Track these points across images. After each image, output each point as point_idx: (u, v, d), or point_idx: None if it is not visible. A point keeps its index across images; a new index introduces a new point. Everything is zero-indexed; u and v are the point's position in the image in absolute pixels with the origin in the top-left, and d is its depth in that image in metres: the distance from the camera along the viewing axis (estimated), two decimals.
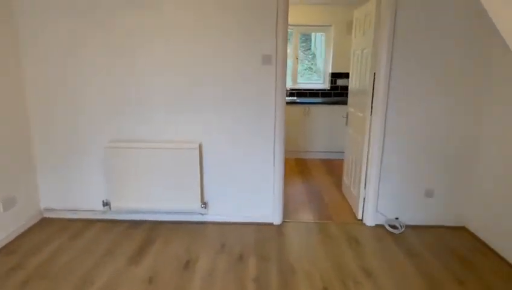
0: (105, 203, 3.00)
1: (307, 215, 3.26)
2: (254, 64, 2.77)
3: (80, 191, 3.04)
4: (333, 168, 4.76)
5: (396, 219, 3.05)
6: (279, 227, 3.03)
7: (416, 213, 3.04)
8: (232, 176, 2.99)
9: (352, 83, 3.50)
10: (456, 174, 2.95)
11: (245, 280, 2.27)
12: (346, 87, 5.45)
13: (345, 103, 4.93)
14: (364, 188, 3.08)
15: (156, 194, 2.91)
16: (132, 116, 2.89)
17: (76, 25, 2.72)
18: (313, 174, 4.49)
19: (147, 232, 2.88)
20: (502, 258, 2.55)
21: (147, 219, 3.08)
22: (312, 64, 5.78)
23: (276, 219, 3.07)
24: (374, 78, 2.85)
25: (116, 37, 2.74)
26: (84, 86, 2.84)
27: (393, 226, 3.00)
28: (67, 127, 2.92)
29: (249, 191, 3.02)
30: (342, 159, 5.06)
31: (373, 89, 2.88)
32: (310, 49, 5.74)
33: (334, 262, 2.49)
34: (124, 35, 2.74)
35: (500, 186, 2.63)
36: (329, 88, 5.49)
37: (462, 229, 3.00)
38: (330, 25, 5.28)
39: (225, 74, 2.80)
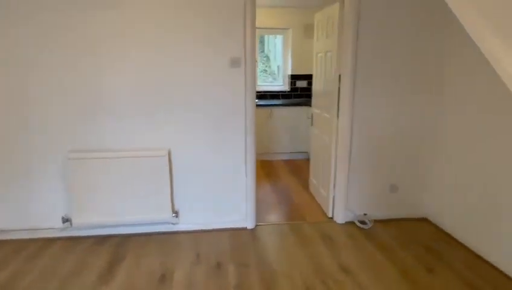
0: (66, 220, 2.77)
1: (279, 217, 3.27)
2: (223, 67, 2.73)
3: (35, 208, 2.78)
4: (298, 168, 4.84)
5: (365, 214, 3.17)
6: (253, 231, 3.00)
7: (382, 208, 3.19)
8: (203, 183, 2.92)
9: (316, 85, 3.58)
10: (417, 170, 3.14)
11: (234, 283, 2.22)
12: (305, 89, 5.58)
13: (305, 104, 5.05)
14: (334, 187, 3.17)
15: (123, 206, 2.75)
16: (94, 124, 2.70)
17: (30, 27, 2.49)
18: (280, 175, 4.53)
19: (115, 248, 2.70)
20: (463, 246, 2.75)
21: (113, 233, 2.89)
22: (266, 66, 5.84)
23: (250, 223, 3.04)
24: (340, 80, 2.94)
25: (76, 39, 2.55)
26: (39, 94, 2.60)
27: (363, 222, 3.11)
28: (19, 138, 2.65)
29: (220, 196, 2.96)
30: (305, 159, 5.19)
31: (339, 91, 2.96)
32: (263, 51, 5.80)
33: (312, 261, 2.52)
34: (86, 37, 2.55)
35: (455, 180, 2.84)
36: (289, 90, 5.58)
37: (424, 221, 3.20)
38: (288, 28, 5.37)
39: (193, 78, 2.72)
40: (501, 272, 2.39)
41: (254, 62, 2.77)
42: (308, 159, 5.21)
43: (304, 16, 5.32)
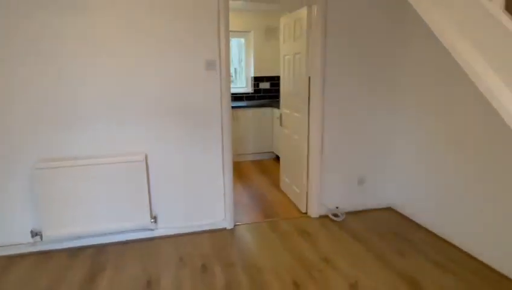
0: (35, 233, 2.60)
1: (255, 216, 3.34)
2: (198, 70, 2.74)
3: (0, 223, 2.58)
4: (266, 168, 4.95)
5: (337, 208, 3.35)
6: (232, 231, 3.04)
7: (352, 201, 3.39)
8: (181, 186, 2.90)
9: (285, 86, 3.70)
10: (381, 163, 3.38)
11: (222, 284, 2.24)
12: (268, 90, 5.71)
13: (269, 105, 5.18)
14: (307, 183, 3.30)
15: (98, 214, 2.65)
16: (63, 131, 2.57)
17: None
18: (250, 176, 4.59)
19: (93, 259, 2.59)
20: (427, 230, 3.02)
21: (88, 244, 2.77)
22: None
23: (229, 224, 3.07)
24: (310, 81, 3.08)
25: (42, 45, 2.41)
26: (1, 103, 2.42)
27: (335, 215, 3.28)
28: None
29: (199, 199, 2.96)
30: (272, 159, 5.32)
31: (309, 91, 3.10)
32: None
33: (293, 255, 2.62)
34: (52, 43, 2.43)
35: (414, 171, 3.11)
36: (252, 92, 5.67)
37: (390, 210, 3.45)
38: (249, 31, 5.47)
39: (168, 81, 2.70)
40: (464, 251, 2.67)
41: (229, 65, 2.81)
42: (275, 159, 5.36)
43: (264, 18, 5.46)
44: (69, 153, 2.61)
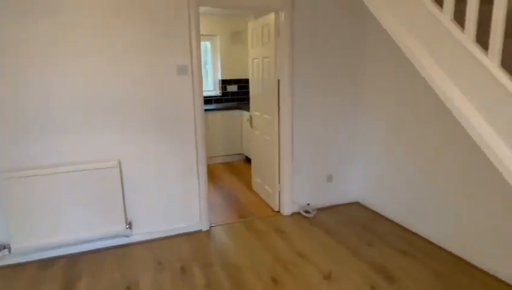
0: (3, 247, 2.50)
1: (230, 217, 3.40)
2: (170, 75, 2.76)
3: None
4: (237, 170, 5.02)
5: (308, 204, 3.49)
6: (208, 232, 3.08)
7: (322, 197, 3.55)
8: (155, 190, 2.90)
9: (254, 89, 3.80)
10: (348, 161, 3.57)
11: (202, 283, 2.28)
12: (236, 93, 5.79)
13: (237, 107, 5.26)
14: (279, 182, 3.42)
15: (70, 223, 2.59)
16: (31, 139, 2.49)
17: None
18: (221, 178, 4.64)
19: (67, 269, 2.53)
20: (391, 221, 3.24)
21: (60, 254, 2.69)
22: None
23: (204, 226, 3.11)
24: (279, 84, 3.20)
25: (6, 49, 2.33)
26: None
27: (307, 211, 3.42)
28: None
29: (174, 202, 2.98)
30: (242, 161, 5.40)
31: (279, 94, 3.22)
32: None
33: (270, 252, 2.72)
34: (18, 47, 2.35)
35: (378, 167, 3.33)
36: (220, 95, 5.73)
37: (357, 204, 3.65)
38: (216, 35, 5.52)
39: (140, 87, 2.70)
40: (424, 239, 2.91)
41: (200, 69, 2.86)
42: (245, 160, 5.44)
43: (230, 22, 5.53)
44: (37, 162, 2.53)
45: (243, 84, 5.83)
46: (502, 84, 1.28)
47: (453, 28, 1.45)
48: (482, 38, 1.43)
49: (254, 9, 2.96)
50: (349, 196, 3.68)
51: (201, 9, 4.75)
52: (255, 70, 3.72)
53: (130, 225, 2.84)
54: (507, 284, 2.27)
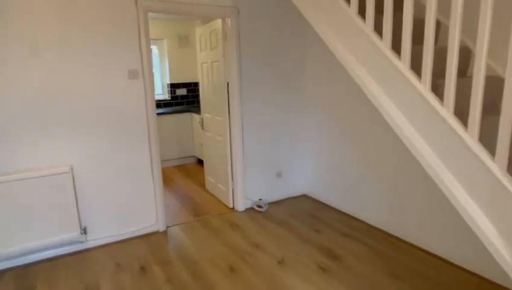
0: None
1: (186, 217, 3.50)
2: (122, 79, 2.80)
3: None
4: (189, 172, 5.09)
5: (260, 199, 3.71)
6: (165, 233, 3.16)
7: (272, 192, 3.79)
8: (110, 194, 2.91)
9: (204, 92, 3.94)
10: (295, 157, 3.85)
11: (158, 286, 2.37)
12: (185, 96, 5.86)
13: (187, 110, 5.34)
14: (232, 180, 3.59)
15: (22, 232, 2.52)
16: None
17: None
18: (175, 180, 4.69)
19: (18, 280, 2.46)
20: (336, 210, 3.57)
21: (10, 266, 2.60)
22: None
23: (161, 227, 3.18)
24: (228, 87, 3.38)
25: None
26: None
27: (259, 206, 3.63)
28: None
29: (129, 205, 3.01)
30: (194, 163, 5.48)
31: (228, 96, 3.40)
32: None
33: (226, 245, 2.88)
34: None
35: (322, 162, 3.65)
36: (170, 98, 5.75)
37: (304, 197, 3.95)
38: (163, 39, 5.55)
39: (93, 91, 2.71)
40: (363, 221, 3.26)
41: (152, 73, 2.94)
42: (197, 162, 5.53)
43: (177, 26, 5.60)
44: None
45: (192, 87, 5.92)
46: (413, 85, 1.58)
47: (374, 37, 1.74)
48: (397, 46, 1.74)
49: (202, 16, 3.11)
50: (297, 189, 3.96)
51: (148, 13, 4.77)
52: (204, 74, 3.86)
53: (84, 230, 2.83)
54: (430, 253, 2.67)
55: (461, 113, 1.54)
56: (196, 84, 5.94)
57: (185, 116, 5.34)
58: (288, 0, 2.79)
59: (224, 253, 2.76)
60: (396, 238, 2.94)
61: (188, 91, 5.87)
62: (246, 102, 3.43)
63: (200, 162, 5.51)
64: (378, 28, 1.83)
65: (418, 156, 1.60)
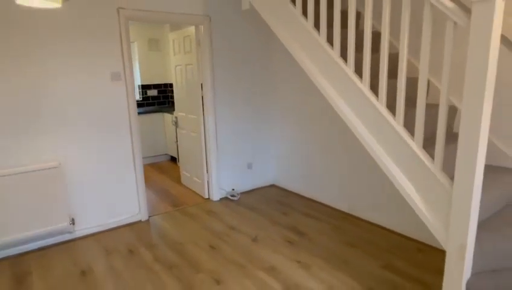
0: None
1: (165, 208, 3.79)
2: (105, 81, 3.06)
3: None
4: (164, 168, 5.35)
5: (233, 189, 4.08)
6: (148, 221, 3.44)
7: (244, 182, 4.17)
8: (96, 188, 3.15)
9: (178, 93, 4.24)
10: (264, 150, 4.27)
11: (148, 264, 2.67)
12: (156, 97, 6.09)
13: (159, 111, 5.59)
14: (207, 172, 3.93)
15: (14, 223, 2.72)
16: None
17: None
18: (151, 177, 4.94)
19: (13, 268, 2.65)
20: (301, 196, 4.02)
21: (3, 256, 2.78)
22: None
23: (144, 216, 3.46)
24: (202, 87, 3.72)
25: None
26: None
27: (233, 195, 4.00)
28: None
29: (114, 197, 3.26)
30: (167, 160, 5.74)
31: (202, 96, 3.74)
32: None
33: (206, 229, 3.22)
34: None
35: (287, 154, 4.09)
36: (141, 99, 5.96)
37: (273, 186, 4.37)
38: (133, 42, 5.75)
39: (80, 92, 2.94)
40: (323, 204, 3.73)
41: (132, 75, 3.22)
42: (170, 160, 5.79)
43: (147, 30, 5.82)
44: None
45: (162, 88, 6.16)
46: (356, 84, 2.04)
47: (327, 46, 2.18)
48: (345, 54, 2.19)
49: (178, 23, 3.43)
50: (266, 179, 4.38)
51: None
52: (178, 76, 4.17)
53: (73, 221, 3.05)
54: (378, 225, 3.18)
55: (391, 106, 2.02)
56: (166, 86, 6.19)
57: (157, 116, 5.58)
58: (254, 9, 3.18)
59: (204, 235, 3.11)
60: (352, 216, 3.43)
61: (159, 92, 6.10)
62: (219, 101, 3.79)
63: (173, 159, 5.77)
64: (330, 40, 2.28)
65: (361, 140, 2.05)
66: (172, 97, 6.23)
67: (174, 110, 5.44)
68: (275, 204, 3.80)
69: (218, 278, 2.45)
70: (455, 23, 1.60)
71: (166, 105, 6.16)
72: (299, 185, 4.04)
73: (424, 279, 2.37)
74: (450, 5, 1.58)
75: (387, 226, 3.14)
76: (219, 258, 2.73)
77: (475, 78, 1.51)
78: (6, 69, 2.63)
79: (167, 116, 5.52)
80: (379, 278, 2.40)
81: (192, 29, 3.66)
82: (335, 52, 2.15)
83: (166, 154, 5.77)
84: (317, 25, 2.50)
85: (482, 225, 1.87)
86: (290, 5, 2.41)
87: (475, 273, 1.76)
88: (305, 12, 2.50)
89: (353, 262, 2.62)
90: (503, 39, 2.21)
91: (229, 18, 3.71)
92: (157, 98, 6.10)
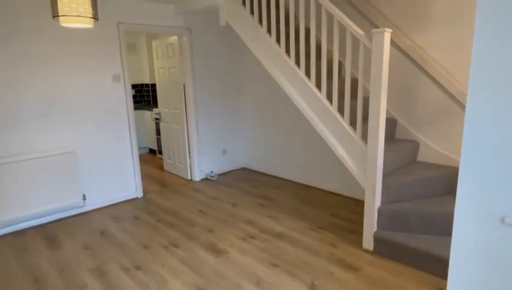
0: None
1: (155, 187, 4.52)
2: (108, 82, 3.75)
3: None
4: (145, 159, 6.01)
5: (211, 171, 4.89)
6: (144, 198, 4.16)
7: (220, 165, 5.00)
8: (102, 170, 3.82)
9: (161, 91, 4.96)
10: (236, 138, 5.11)
11: (153, 224, 3.42)
12: (134, 96, 6.70)
13: (137, 108, 6.24)
14: (189, 157, 4.71)
15: (37, 199, 3.34)
16: (3, 132, 3.15)
17: None
18: None
19: (42, 233, 3.28)
20: (268, 175, 4.93)
21: (28, 226, 3.39)
22: None
23: (140, 193, 4.17)
24: (184, 87, 4.49)
25: None
26: None
27: (211, 176, 4.81)
28: None
29: (115, 177, 3.95)
30: (147, 153, 6.39)
31: (185, 94, 4.51)
32: None
33: (194, 201, 4.02)
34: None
35: (256, 140, 4.98)
36: None
37: (244, 169, 5.24)
38: None
39: (88, 91, 3.61)
40: (289, 180, 4.66)
41: (129, 77, 3.92)
42: (149, 152, 6.45)
43: (126, 36, 6.41)
44: (9, 152, 3.20)
45: (139, 88, 6.78)
46: (306, 82, 2.96)
47: (285, 55, 3.08)
48: (298, 61, 3.10)
49: (164, 34, 4.17)
50: (238, 163, 5.23)
51: None
52: (161, 77, 4.89)
53: (84, 197, 3.71)
54: (327, 191, 4.16)
55: (330, 98, 2.97)
56: (142, 86, 6.82)
57: (137, 113, 6.22)
58: (229, 26, 4.01)
59: (193, 204, 3.90)
60: (307, 185, 4.39)
61: (136, 92, 6.72)
62: (199, 98, 4.59)
63: (152, 151, 6.43)
64: (288, 51, 3.19)
65: (311, 122, 2.98)
66: (148, 96, 6.88)
67: (151, 107, 6.12)
68: (247, 181, 4.67)
69: (210, 229, 3.27)
70: (364, 44, 2.56)
71: (143, 103, 6.79)
72: (265, 166, 4.95)
73: (359, 220, 3.36)
74: (361, 32, 2.55)
75: (334, 191, 4.13)
76: (208, 218, 3.54)
77: (376, 80, 2.48)
78: (30, 74, 3.26)
79: (146, 113, 6.18)
80: (327, 222, 3.35)
81: (174, 38, 4.42)
82: (291, 60, 3.06)
83: (145, 147, 6.42)
84: (278, 40, 3.40)
85: (387, 174, 2.88)
86: (258, 25, 3.28)
87: (383, 204, 2.75)
88: (269, 30, 3.39)
89: (308, 214, 3.55)
90: (403, 53, 3.25)
91: (207, 30, 4.52)
92: (135, 97, 6.72)
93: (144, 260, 2.76)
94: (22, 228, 3.36)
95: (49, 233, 3.29)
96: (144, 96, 6.86)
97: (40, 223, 3.47)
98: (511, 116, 1.19)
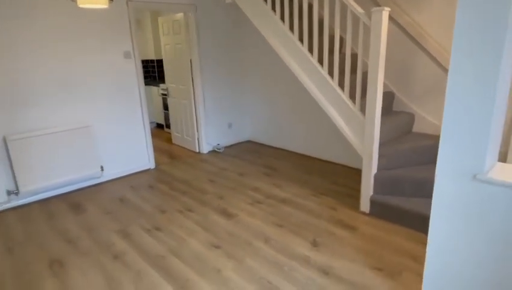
0: (12, 192, 3.38)
1: (165, 160, 4.78)
2: (120, 59, 3.93)
3: None
4: (153, 133, 6.25)
5: (218, 144, 5.14)
6: (156, 169, 4.43)
7: (226, 138, 5.25)
8: (117, 143, 4.07)
9: (168, 67, 5.13)
10: (241, 111, 5.33)
11: (167, 192, 3.71)
12: None
13: (145, 84, 6.41)
14: (197, 131, 4.95)
15: (60, 170, 3.61)
16: (28, 108, 3.38)
17: None
18: None
19: (65, 201, 3.58)
20: (272, 146, 5.18)
21: (53, 195, 3.68)
22: None
23: (152, 165, 4.45)
24: (191, 63, 4.66)
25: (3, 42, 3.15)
26: None
27: (218, 149, 5.07)
28: None
29: (129, 150, 4.21)
30: (154, 127, 6.64)
31: (191, 69, 4.68)
32: None
33: (203, 171, 4.29)
34: (10, 40, 3.19)
35: (260, 114, 5.19)
36: None
37: (249, 141, 5.50)
38: None
39: (101, 68, 3.79)
40: (292, 151, 4.92)
41: (139, 54, 4.09)
42: (156, 127, 6.68)
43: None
44: (33, 126, 3.44)
45: (145, 64, 6.92)
46: (309, 58, 3.14)
47: (289, 32, 3.24)
48: (301, 37, 3.27)
49: (171, 11, 4.29)
50: (243, 136, 5.48)
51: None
52: (168, 53, 5.05)
53: (102, 168, 3.98)
54: (327, 161, 4.42)
55: (331, 73, 3.16)
56: (148, 62, 6.95)
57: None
58: (235, 2, 4.17)
59: (203, 174, 4.18)
60: (310, 156, 4.65)
61: (142, 68, 6.86)
62: (205, 73, 4.76)
63: (159, 125, 6.67)
64: (292, 28, 3.35)
65: (314, 96, 3.19)
66: (153, 72, 7.03)
67: (157, 83, 6.30)
68: (252, 153, 4.93)
69: (221, 196, 3.56)
70: (364, 22, 2.73)
71: (149, 79, 6.95)
72: (270, 138, 5.19)
73: (357, 187, 3.64)
74: (361, 11, 2.71)
75: (334, 161, 4.39)
76: (218, 186, 3.83)
77: (374, 55, 2.67)
78: (46, 51, 3.44)
79: (153, 89, 6.36)
80: (328, 189, 3.63)
81: (180, 15, 4.54)
82: (295, 37, 3.23)
83: (153, 121, 6.65)
84: (282, 17, 3.54)
85: (383, 143, 3.12)
86: (263, 2, 3.42)
87: (379, 170, 3.01)
88: (273, 7, 3.53)
89: (310, 182, 3.83)
90: (403, 30, 3.40)
91: (212, 7, 4.63)
92: None
93: (162, 222, 3.06)
94: (47, 196, 3.66)
95: (72, 201, 3.58)
96: (150, 72, 7.01)
97: (62, 192, 3.76)
98: (485, 86, 1.42)
